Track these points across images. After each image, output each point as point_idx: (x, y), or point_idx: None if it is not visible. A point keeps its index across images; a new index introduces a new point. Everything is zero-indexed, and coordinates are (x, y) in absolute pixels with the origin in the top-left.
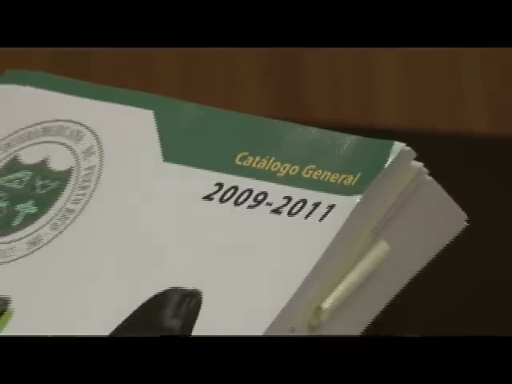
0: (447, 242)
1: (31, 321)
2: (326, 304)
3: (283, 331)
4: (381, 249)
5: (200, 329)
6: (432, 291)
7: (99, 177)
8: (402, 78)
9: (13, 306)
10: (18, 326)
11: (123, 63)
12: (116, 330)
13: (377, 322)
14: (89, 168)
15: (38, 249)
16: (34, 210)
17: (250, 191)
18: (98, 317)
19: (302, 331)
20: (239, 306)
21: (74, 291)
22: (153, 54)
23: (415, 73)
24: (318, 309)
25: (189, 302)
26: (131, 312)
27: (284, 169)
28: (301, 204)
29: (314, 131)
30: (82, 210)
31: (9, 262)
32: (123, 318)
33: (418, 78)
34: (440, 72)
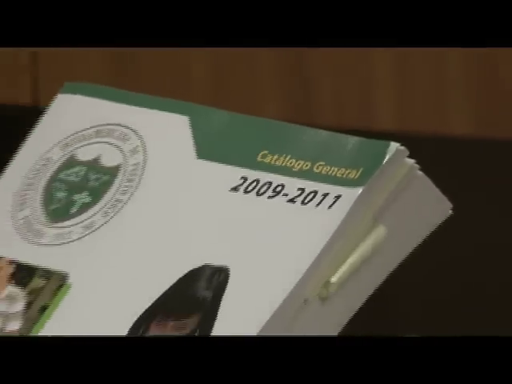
0: (435, 227)
1: (86, 292)
2: (334, 278)
3: (297, 302)
4: (379, 232)
5: (228, 298)
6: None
7: (143, 172)
8: (398, 80)
9: (71, 280)
10: (75, 298)
11: (161, 61)
12: (158, 300)
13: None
14: (134, 164)
15: (91, 232)
16: (88, 199)
17: (270, 184)
18: (142, 288)
19: (313, 302)
20: (260, 280)
21: (122, 267)
22: (184, 53)
23: (411, 75)
24: (327, 282)
25: (218, 275)
26: (171, 285)
27: (298, 165)
28: (312, 194)
29: (323, 133)
30: (128, 199)
31: (67, 243)
32: (164, 290)
33: (413, 81)
34: (433, 74)
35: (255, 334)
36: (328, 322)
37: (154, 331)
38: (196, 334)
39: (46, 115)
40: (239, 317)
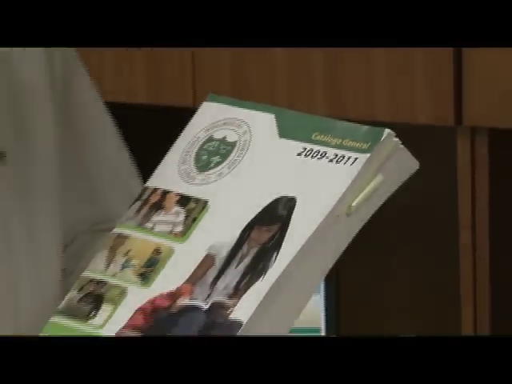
0: (410, 175)
1: (217, 211)
2: (354, 203)
3: (334, 215)
4: (379, 178)
5: (295, 215)
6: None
7: (249, 145)
8: (392, 82)
9: (209, 204)
10: (211, 214)
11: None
12: (256, 215)
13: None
14: (244, 141)
15: (220, 178)
16: (219, 160)
17: (318, 151)
18: (248, 208)
19: (342, 216)
20: (313, 203)
21: (237, 197)
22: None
23: (401, 77)
24: (350, 205)
25: (290, 203)
26: (264, 207)
27: (334, 140)
28: (342, 157)
29: (347, 123)
30: (241, 159)
31: (207, 184)
32: (260, 209)
33: (401, 83)
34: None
35: (312, 232)
36: (350, 229)
37: (255, 233)
38: (277, 236)
39: (196, 113)
40: (301, 224)
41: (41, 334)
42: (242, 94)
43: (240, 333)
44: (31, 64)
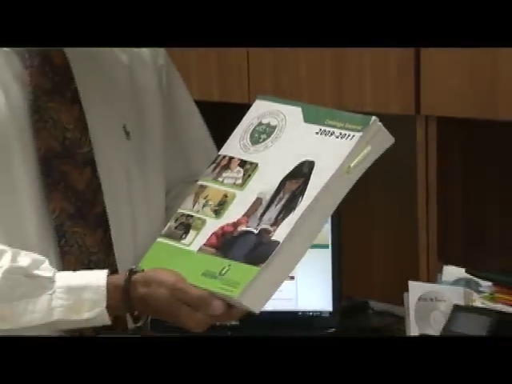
0: (387, 147)
1: (264, 170)
2: (352, 164)
3: (338, 174)
4: (368, 149)
5: (314, 172)
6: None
7: (285, 127)
8: (373, 83)
9: (259, 165)
10: (260, 172)
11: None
12: (288, 173)
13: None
14: (282, 125)
15: (266, 149)
16: (265, 137)
17: (329, 131)
18: (282, 168)
19: (343, 175)
20: (325, 165)
21: (275, 159)
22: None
23: (382, 78)
24: (349, 166)
25: (310, 164)
26: (294, 167)
27: (339, 124)
28: (344, 135)
29: (348, 113)
30: (280, 137)
31: (257, 152)
32: (291, 168)
33: (383, 82)
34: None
35: (324, 184)
36: (348, 183)
37: (288, 184)
38: (302, 186)
39: (251, 107)
40: (317, 179)
41: (149, 250)
42: (280, 90)
43: (277, 249)
44: (143, 68)
